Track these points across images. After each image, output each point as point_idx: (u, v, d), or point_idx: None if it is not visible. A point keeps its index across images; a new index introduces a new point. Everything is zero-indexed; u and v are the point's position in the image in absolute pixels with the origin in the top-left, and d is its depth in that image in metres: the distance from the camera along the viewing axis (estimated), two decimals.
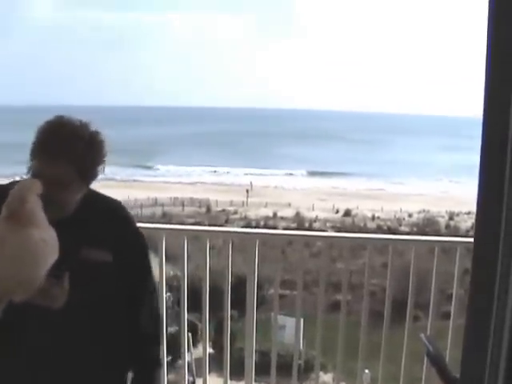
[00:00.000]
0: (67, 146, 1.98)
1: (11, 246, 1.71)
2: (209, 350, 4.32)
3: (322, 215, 33.76)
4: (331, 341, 4.18)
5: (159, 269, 3.94)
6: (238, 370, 4.33)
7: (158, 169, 56.87)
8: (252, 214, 34.26)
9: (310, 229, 26.98)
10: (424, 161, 59.43)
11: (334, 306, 6.40)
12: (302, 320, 4.23)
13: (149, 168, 56.94)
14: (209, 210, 35.20)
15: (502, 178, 0.96)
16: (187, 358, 4.37)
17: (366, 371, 5.78)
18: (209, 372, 4.12)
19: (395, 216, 34.02)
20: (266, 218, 32.33)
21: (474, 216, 1.08)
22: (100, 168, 2.10)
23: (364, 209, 35.34)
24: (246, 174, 52.36)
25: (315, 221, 31.95)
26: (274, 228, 23.29)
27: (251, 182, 45.26)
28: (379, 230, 28.16)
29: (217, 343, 9.22)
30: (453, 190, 44.86)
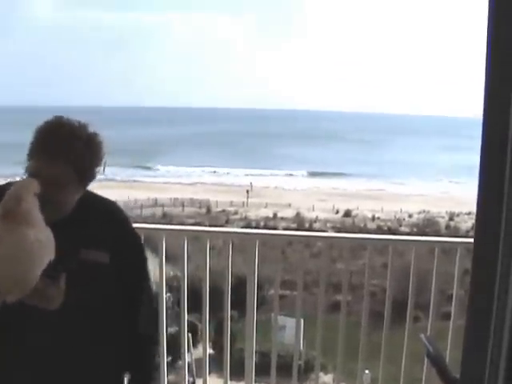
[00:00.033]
0: (65, 147, 1.98)
1: (6, 245, 1.71)
2: (209, 350, 4.32)
3: (322, 216, 33.76)
4: (331, 341, 4.17)
5: (159, 269, 3.94)
6: (238, 371, 4.32)
7: (158, 169, 56.87)
8: (252, 214, 34.26)
9: (310, 229, 26.97)
10: (424, 161, 59.43)
11: (334, 307, 6.39)
12: (302, 320, 4.22)
13: (149, 168, 56.96)
14: (209, 210, 35.21)
15: (502, 178, 0.96)
16: (187, 358, 4.37)
17: (367, 372, 5.79)
18: (209, 372, 4.12)
19: (395, 216, 34.03)
20: (266, 219, 32.34)
21: (474, 216, 1.07)
22: (98, 169, 2.10)
23: (364, 209, 35.34)
24: (247, 175, 52.36)
25: (315, 221, 31.95)
26: (274, 228, 23.27)
27: (251, 183, 45.27)
28: (379, 230, 28.16)
29: (217, 344, 9.20)
30: (453, 191, 44.88)
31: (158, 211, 33.91)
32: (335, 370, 4.62)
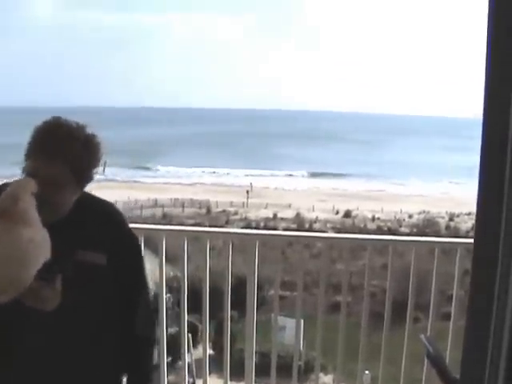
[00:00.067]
0: (63, 147, 1.98)
1: (1, 244, 1.69)
2: (209, 350, 4.33)
3: (322, 216, 33.76)
4: (331, 342, 4.17)
5: (159, 270, 3.94)
6: (238, 371, 4.32)
7: (158, 170, 56.88)
8: (252, 214, 34.27)
9: (310, 230, 26.95)
10: (424, 162, 59.44)
11: (334, 307, 6.39)
12: (302, 321, 4.22)
13: (149, 169, 56.98)
14: (209, 210, 35.21)
15: (502, 179, 0.96)
16: (187, 358, 4.37)
17: (367, 372, 5.79)
18: (209, 373, 4.12)
19: (395, 217, 34.02)
20: (266, 219, 32.34)
21: (474, 217, 1.07)
22: (95, 171, 2.10)
23: (364, 210, 35.35)
24: (247, 175, 52.36)
25: (315, 222, 31.95)
26: (274, 229, 23.26)
27: (251, 183, 45.27)
28: (379, 230, 28.16)
29: (217, 344, 9.20)
30: (453, 191, 44.89)
31: (158, 212, 33.91)
32: (335, 371, 4.62)
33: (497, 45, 0.95)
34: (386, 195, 43.58)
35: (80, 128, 2.04)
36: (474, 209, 1.04)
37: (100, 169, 2.12)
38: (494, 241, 0.99)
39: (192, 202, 37.40)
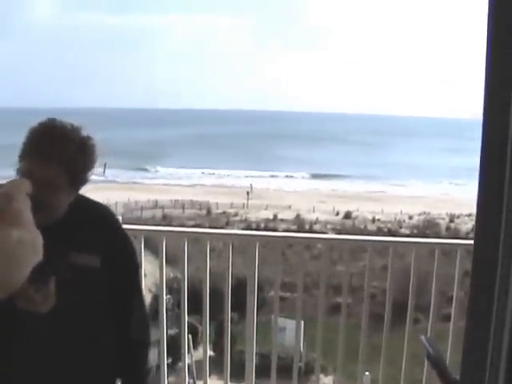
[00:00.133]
0: (58, 149, 1.97)
1: None
2: (209, 352, 4.32)
3: (322, 217, 33.76)
4: (332, 343, 4.18)
5: (159, 271, 3.94)
6: (238, 373, 4.33)
7: (158, 171, 56.89)
8: (252, 216, 34.26)
9: (311, 231, 26.97)
10: (424, 163, 59.46)
11: (335, 309, 6.38)
12: (302, 322, 4.23)
13: (149, 170, 56.99)
14: (209, 212, 35.21)
15: (502, 180, 0.96)
16: (187, 360, 4.38)
17: (367, 373, 5.79)
18: (209, 374, 4.12)
19: (395, 218, 34.01)
20: (267, 221, 32.33)
21: (474, 218, 1.07)
22: (90, 173, 2.08)
23: (364, 211, 35.34)
24: (247, 177, 52.35)
25: (315, 223, 31.95)
26: (275, 230, 23.25)
27: (251, 185, 45.28)
28: (379, 232, 28.15)
29: (217, 345, 9.20)
30: (453, 192, 44.88)
31: (159, 213, 33.91)
32: (335, 372, 4.62)
33: (497, 44, 0.95)
34: (386, 196, 43.57)
35: (75, 130, 2.02)
36: (474, 210, 1.04)
37: (95, 171, 2.11)
38: (494, 242, 0.98)
39: (192, 204, 37.40)
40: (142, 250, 3.81)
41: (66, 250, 2.05)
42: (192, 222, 28.43)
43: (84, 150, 2.03)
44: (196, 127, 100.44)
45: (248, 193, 40.82)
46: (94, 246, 2.14)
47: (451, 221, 33.39)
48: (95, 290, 2.14)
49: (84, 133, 2.04)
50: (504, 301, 0.99)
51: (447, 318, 3.90)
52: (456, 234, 26.61)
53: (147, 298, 6.42)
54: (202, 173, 55.33)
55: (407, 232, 28.50)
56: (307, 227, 29.72)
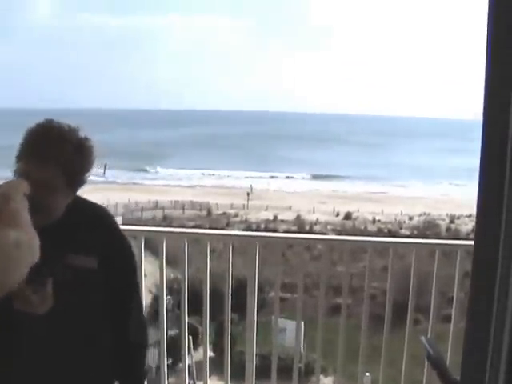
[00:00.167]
0: (55, 150, 1.96)
1: None
2: (209, 353, 4.32)
3: (322, 218, 33.75)
4: (332, 344, 4.17)
5: (160, 271, 3.94)
6: (238, 374, 4.32)
7: (158, 172, 56.89)
8: (252, 217, 34.25)
9: (311, 232, 26.97)
10: (425, 164, 59.47)
11: (335, 309, 6.38)
12: (302, 323, 4.22)
13: (150, 171, 57.00)
14: (209, 213, 35.20)
15: (502, 181, 0.96)
16: (188, 361, 4.37)
17: (367, 374, 5.79)
18: (209, 375, 4.12)
19: (396, 219, 34.00)
20: (267, 221, 32.32)
21: (474, 219, 1.07)
22: (88, 174, 2.08)
23: (365, 212, 35.34)
24: (247, 177, 52.35)
25: (316, 224, 31.95)
26: (275, 231, 23.25)
27: (251, 185, 45.27)
28: (380, 232, 28.14)
29: (217, 346, 9.20)
30: (453, 193, 44.89)
31: (159, 214, 33.91)
32: (336, 373, 4.62)
33: (497, 44, 0.95)
34: (386, 197, 43.58)
35: (72, 131, 2.01)
36: (474, 211, 1.04)
37: (95, 172, 2.11)
38: (494, 243, 0.98)
39: (192, 204, 37.40)
40: (143, 250, 3.81)
41: (63, 252, 2.04)
42: (192, 223, 28.43)
43: (81, 151, 2.02)
44: (197, 128, 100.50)
45: (248, 194, 40.82)
46: (92, 248, 2.13)
47: (451, 221, 33.38)
48: (93, 291, 2.13)
49: (81, 134, 2.03)
50: (504, 302, 0.99)
51: (447, 318, 3.90)
52: (456, 235, 26.58)
53: (147, 298, 6.42)
54: (202, 174, 55.33)
55: (407, 233, 28.49)
56: (307, 228, 29.72)
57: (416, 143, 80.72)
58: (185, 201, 37.83)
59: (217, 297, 3.85)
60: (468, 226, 30.03)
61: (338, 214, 35.52)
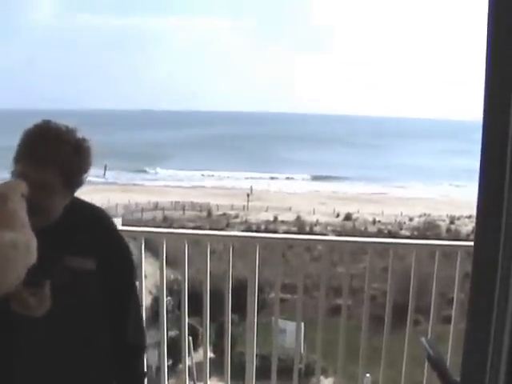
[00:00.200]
0: (52, 151, 1.95)
1: None
2: (209, 354, 4.32)
3: (322, 219, 33.75)
4: (332, 345, 4.17)
5: (160, 272, 3.94)
6: (238, 374, 4.32)
7: (158, 173, 56.91)
8: (253, 217, 34.25)
9: (311, 233, 26.98)
10: (425, 165, 59.48)
11: (335, 310, 6.39)
12: (302, 324, 4.22)
13: (150, 172, 57.02)
14: (210, 214, 35.21)
15: (502, 181, 0.96)
16: (188, 362, 4.37)
17: (367, 375, 5.78)
18: (209, 376, 4.12)
19: (396, 220, 34.00)
20: (267, 222, 32.32)
21: (474, 220, 1.07)
22: (86, 175, 2.06)
23: (365, 213, 35.34)
24: (247, 178, 52.37)
25: (316, 225, 31.95)
26: (275, 232, 23.26)
27: (251, 186, 45.28)
28: (380, 233, 28.15)
29: (217, 347, 9.19)
30: (453, 194, 44.89)
31: (159, 215, 33.91)
32: (336, 374, 4.62)
33: (497, 46, 0.95)
34: (386, 198, 43.58)
35: (70, 132, 2.00)
36: (474, 212, 1.04)
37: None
38: (494, 244, 0.98)
39: (193, 205, 37.40)
40: (143, 251, 3.81)
41: (61, 253, 2.02)
42: (192, 224, 28.41)
43: (79, 152, 2.01)
44: (197, 129, 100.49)
45: (248, 195, 40.82)
46: (90, 249, 2.12)
47: (451, 222, 33.38)
48: (91, 293, 2.12)
49: (79, 135, 2.02)
50: (504, 302, 0.99)
51: (448, 319, 3.90)
52: (456, 236, 26.59)
53: (148, 299, 6.43)
54: (202, 175, 55.33)
55: (407, 234, 28.48)
56: (307, 229, 29.72)
57: (416, 144, 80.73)
58: (185, 202, 37.83)
59: (217, 298, 3.85)
60: (468, 226, 30.02)
61: (338, 215, 35.52)
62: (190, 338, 6.62)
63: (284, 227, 30.09)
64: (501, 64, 0.95)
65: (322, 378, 8.93)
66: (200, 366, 5.02)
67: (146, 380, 2.50)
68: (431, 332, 3.78)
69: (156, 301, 5.29)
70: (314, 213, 35.89)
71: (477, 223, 1.05)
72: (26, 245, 1.69)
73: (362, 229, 30.57)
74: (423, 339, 1.78)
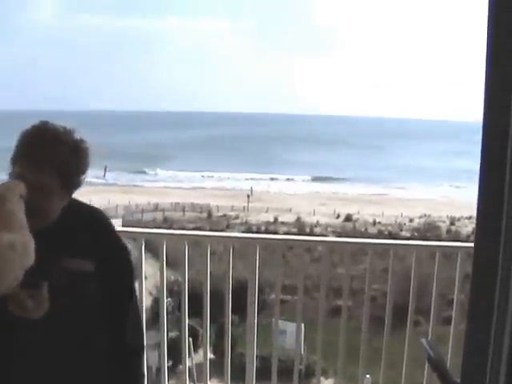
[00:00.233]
0: (50, 152, 1.94)
1: None
2: (209, 355, 4.32)
3: (322, 220, 33.75)
4: (332, 346, 4.17)
5: (160, 273, 3.94)
6: (238, 375, 4.32)
7: (159, 174, 56.91)
8: (253, 219, 34.25)
9: (311, 234, 26.97)
10: (425, 166, 59.47)
11: (335, 311, 6.39)
12: (302, 325, 4.22)
13: (150, 173, 57.02)
14: (210, 215, 35.20)
15: (502, 183, 0.96)
16: (188, 363, 4.37)
17: (367, 376, 5.78)
18: (210, 377, 4.12)
19: (396, 221, 34.00)
20: (267, 223, 32.31)
21: (475, 221, 1.07)
22: (84, 177, 2.05)
23: (365, 214, 35.34)
24: (247, 179, 52.38)
25: (316, 226, 31.94)
26: (275, 233, 23.25)
27: (251, 187, 45.29)
28: (380, 234, 28.13)
29: (218, 348, 9.19)
30: (454, 195, 44.89)
31: (159, 216, 33.91)
32: (336, 375, 4.62)
33: (496, 47, 0.95)
34: (386, 199, 43.59)
35: (67, 133, 1.99)
36: (474, 213, 1.04)
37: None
38: (495, 245, 0.99)
39: (193, 207, 37.40)
40: (143, 252, 3.81)
41: (59, 255, 2.02)
42: (192, 225, 28.42)
43: (77, 153, 2.00)
44: (197, 130, 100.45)
45: (248, 196, 40.82)
46: (88, 251, 2.11)
47: (452, 223, 33.37)
48: (89, 294, 2.11)
49: (77, 136, 2.01)
50: (504, 304, 0.99)
51: (448, 320, 3.90)
52: (457, 237, 26.59)
53: (148, 300, 6.42)
54: (202, 176, 55.34)
55: (408, 235, 28.48)
56: (308, 230, 29.72)
57: (416, 145, 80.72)
58: (185, 203, 37.83)
59: (217, 299, 3.85)
60: (468, 227, 30.02)
61: (338, 216, 35.51)
62: (190, 339, 6.62)
63: (284, 228, 30.09)
64: (501, 65, 0.95)
65: (322, 379, 8.94)
66: (200, 367, 5.02)
67: (145, 381, 2.50)
68: (431, 333, 3.78)
69: (156, 302, 5.29)
70: (314, 214, 35.88)
71: (477, 224, 1.06)
72: (23, 246, 1.68)
73: (363, 230, 30.57)
74: (423, 340, 1.78)
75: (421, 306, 4.36)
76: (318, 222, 33.20)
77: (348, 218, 34.52)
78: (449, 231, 30.90)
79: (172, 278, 9.38)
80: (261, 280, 3.95)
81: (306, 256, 4.61)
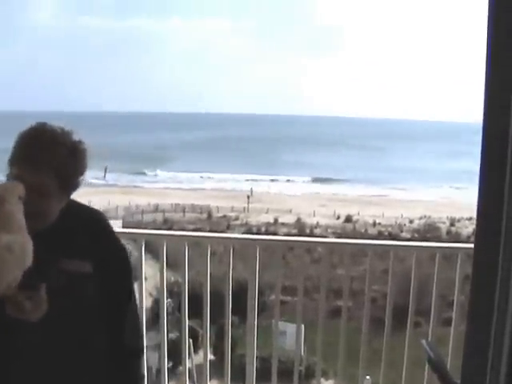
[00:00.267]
0: (48, 154, 1.93)
1: None
2: (210, 356, 4.32)
3: (322, 221, 33.75)
4: (332, 347, 4.17)
5: (160, 275, 3.94)
6: (238, 377, 4.32)
7: (158, 175, 56.92)
8: (253, 220, 34.25)
9: (311, 235, 26.97)
10: (425, 167, 59.49)
11: (335, 312, 6.38)
12: (302, 326, 4.22)
13: (150, 174, 57.02)
14: (210, 216, 35.21)
15: (502, 184, 0.96)
16: (188, 364, 4.36)
17: (368, 377, 5.77)
18: (210, 378, 4.12)
19: (396, 222, 34.00)
20: (267, 224, 32.32)
21: (475, 222, 1.07)
22: (82, 178, 2.05)
23: (365, 215, 35.34)
24: (247, 180, 52.39)
25: (316, 227, 31.94)
26: (275, 234, 23.26)
27: (252, 188, 45.29)
28: (380, 236, 28.13)
29: (218, 349, 9.18)
30: (454, 196, 44.89)
31: (159, 217, 33.92)
32: (336, 376, 4.62)
33: (496, 48, 0.95)
34: (387, 200, 43.59)
35: (65, 134, 1.98)
36: (474, 214, 1.04)
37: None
38: (495, 246, 0.98)
39: (193, 207, 37.40)
40: (143, 253, 3.81)
41: (57, 256, 2.01)
42: (193, 226, 28.42)
43: (75, 155, 1.99)
44: (199, 131, 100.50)
45: (249, 197, 40.81)
46: (87, 252, 2.10)
47: (452, 224, 33.38)
48: (88, 296, 2.10)
49: (75, 137, 2.00)
50: (504, 304, 0.99)
51: (448, 321, 3.89)
52: (457, 238, 26.59)
53: (148, 301, 6.42)
54: (201, 177, 55.34)
55: (408, 236, 28.49)
56: (308, 231, 29.72)
57: (416, 146, 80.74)
58: (185, 204, 37.83)
59: (217, 300, 3.85)
60: (468, 228, 30.02)
61: (338, 217, 35.51)
62: (191, 340, 6.62)
63: (284, 229, 30.10)
64: (501, 65, 0.95)
65: (322, 380, 8.94)
66: (200, 368, 5.02)
67: (145, 382, 2.49)
68: (432, 334, 3.78)
69: (156, 303, 5.29)
70: (314, 215, 35.88)
71: (477, 225, 1.05)
72: (21, 247, 1.68)
73: (363, 231, 30.58)
74: (423, 341, 1.78)
75: (421, 307, 4.36)
76: (318, 223, 33.20)
77: (348, 219, 34.52)
78: (449, 232, 30.91)
79: (172, 278, 9.38)
80: (261, 281, 3.94)
81: (306, 257, 4.60)
